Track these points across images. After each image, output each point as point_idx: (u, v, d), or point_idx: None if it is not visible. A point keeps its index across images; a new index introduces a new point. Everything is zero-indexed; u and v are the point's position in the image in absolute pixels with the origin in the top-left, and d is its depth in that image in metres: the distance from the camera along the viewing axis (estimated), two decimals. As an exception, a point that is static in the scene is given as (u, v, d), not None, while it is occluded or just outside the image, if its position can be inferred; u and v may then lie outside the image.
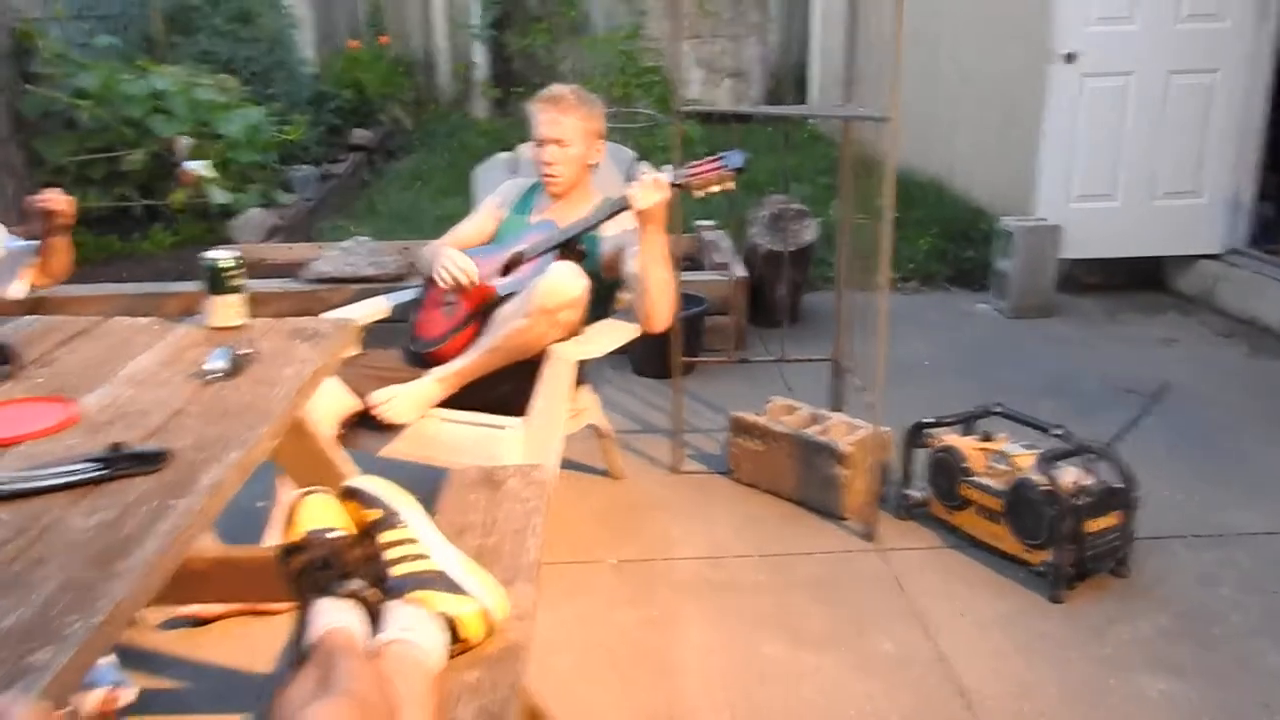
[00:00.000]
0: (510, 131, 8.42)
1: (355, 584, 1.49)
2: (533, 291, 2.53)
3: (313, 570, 1.51)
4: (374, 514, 1.62)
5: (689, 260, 4.92)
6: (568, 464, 3.20)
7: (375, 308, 3.00)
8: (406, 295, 3.01)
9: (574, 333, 2.65)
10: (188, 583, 1.90)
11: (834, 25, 7.90)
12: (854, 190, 3.15)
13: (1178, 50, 4.67)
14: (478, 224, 3.00)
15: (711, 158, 2.59)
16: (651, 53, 6.79)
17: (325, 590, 1.48)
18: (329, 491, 1.56)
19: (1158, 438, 3.39)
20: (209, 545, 2.17)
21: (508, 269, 2.77)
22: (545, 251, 2.72)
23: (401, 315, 2.95)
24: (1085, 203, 4.83)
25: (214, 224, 5.44)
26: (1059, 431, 2.55)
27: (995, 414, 2.73)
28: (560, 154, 2.79)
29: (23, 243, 2.56)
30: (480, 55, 9.35)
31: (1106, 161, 4.81)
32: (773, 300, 4.40)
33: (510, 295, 2.67)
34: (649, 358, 3.92)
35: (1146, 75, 4.71)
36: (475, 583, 1.54)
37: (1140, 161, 4.81)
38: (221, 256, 1.94)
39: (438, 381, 2.64)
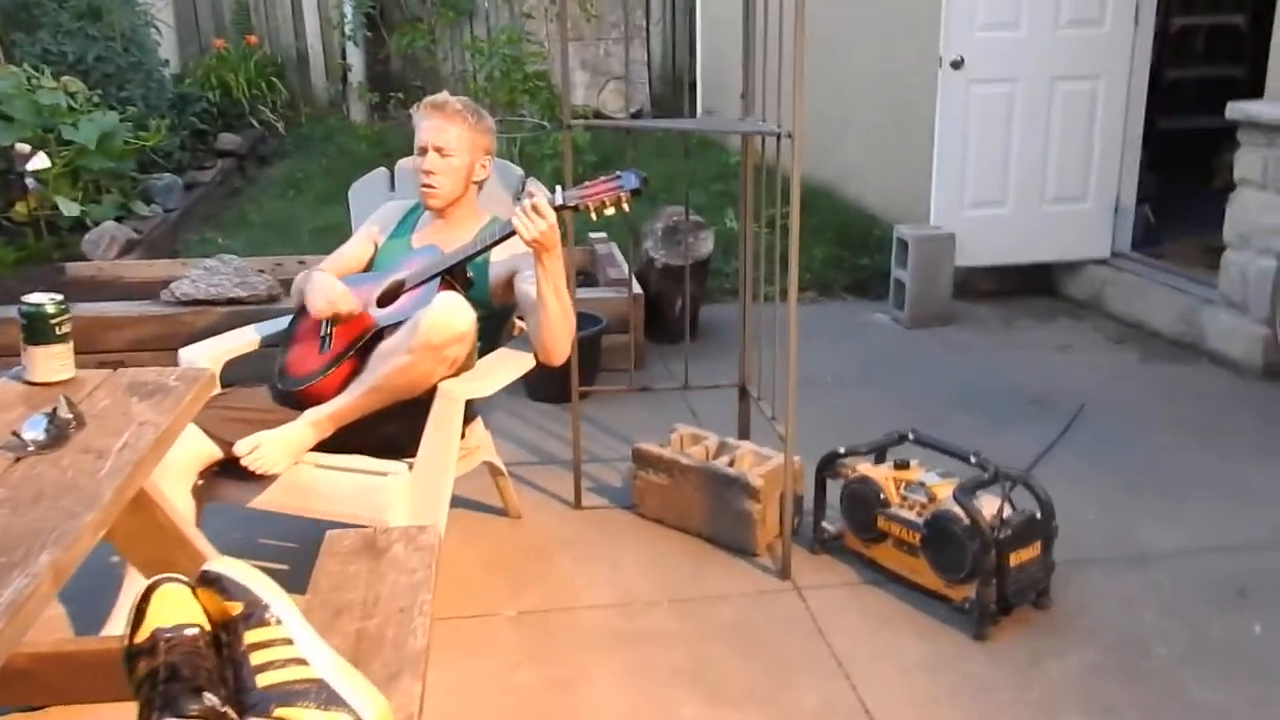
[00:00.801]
0: (390, 135, 8.08)
1: (209, 700, 1.25)
2: (416, 326, 2.29)
3: (159, 681, 1.26)
4: (235, 606, 1.38)
5: (582, 275, 4.72)
6: (459, 503, 2.96)
7: (242, 340, 2.72)
8: (276, 326, 2.73)
9: (463, 368, 2.42)
10: (8, 683, 1.62)
11: (718, 27, 7.81)
12: (758, 198, 2.99)
13: (1061, 57, 4.68)
14: (354, 250, 2.75)
15: (606, 177, 2.39)
16: (537, 56, 6.55)
17: (172, 707, 1.24)
18: (185, 580, 1.32)
19: (1067, 451, 3.33)
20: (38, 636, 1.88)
21: (387, 299, 2.53)
22: (428, 279, 2.48)
23: (270, 347, 2.68)
24: (977, 210, 4.80)
25: (62, 239, 5.01)
26: (976, 458, 2.43)
27: (910, 441, 2.60)
28: (442, 163, 2.56)
29: None
30: (356, 56, 8.96)
31: (996, 168, 4.79)
32: (671, 316, 4.24)
33: (391, 328, 2.43)
34: (544, 382, 3.69)
35: (1031, 82, 4.70)
36: (354, 690, 1.31)
37: (1028, 168, 4.81)
38: (44, 300, 1.65)
39: (311, 425, 2.38)
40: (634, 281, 4.18)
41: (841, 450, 2.65)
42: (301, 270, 2.74)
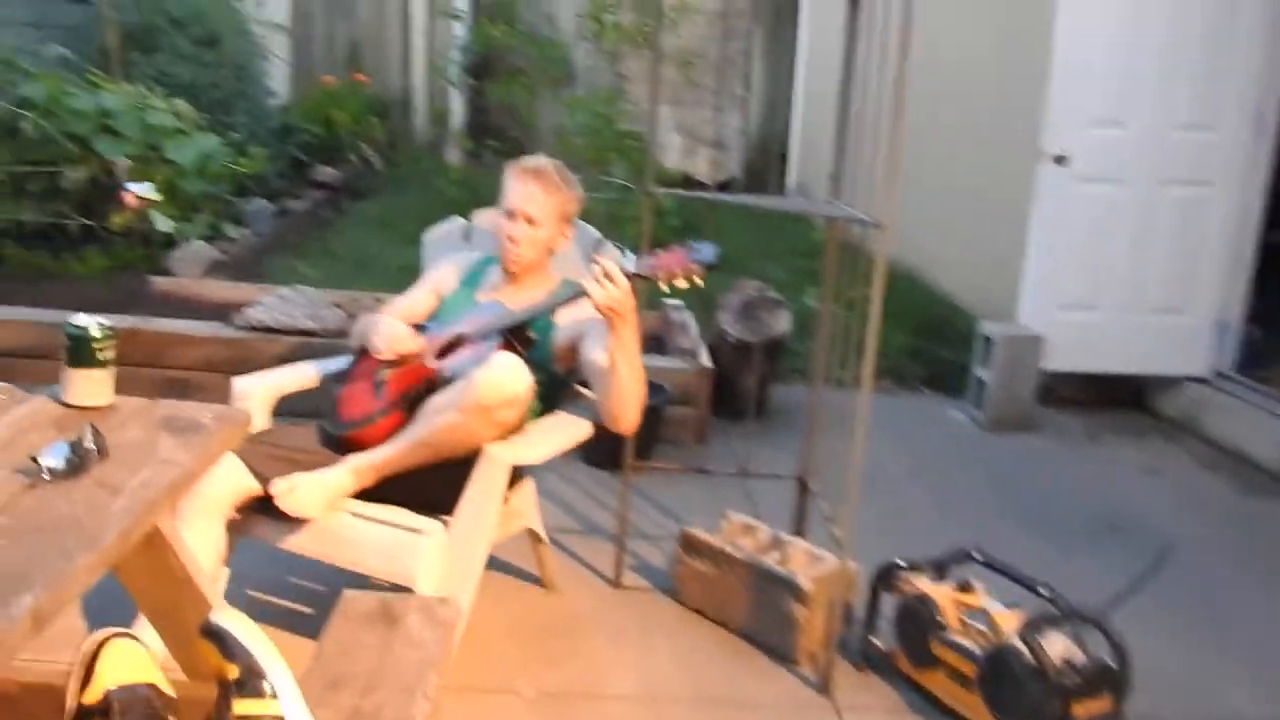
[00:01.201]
0: (482, 182, 8.15)
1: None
2: (469, 384, 2.22)
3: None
4: (232, 670, 1.31)
5: (653, 341, 4.65)
6: (495, 564, 2.87)
7: (299, 375, 2.69)
8: (338, 364, 2.69)
9: (514, 431, 2.34)
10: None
11: (817, 102, 7.75)
12: (838, 280, 2.87)
13: (1172, 160, 4.49)
14: (418, 299, 2.70)
15: (681, 247, 2.31)
16: (632, 116, 6.56)
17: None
18: (135, 637, 1.24)
19: (1148, 591, 3.10)
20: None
21: (446, 352, 2.46)
22: (489, 336, 2.42)
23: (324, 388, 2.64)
24: (1069, 312, 4.60)
25: (153, 252, 5.10)
26: (1047, 591, 2.26)
27: (975, 560, 2.44)
28: (529, 233, 2.51)
29: None
30: (458, 102, 9.11)
31: (1093, 271, 4.59)
32: (739, 392, 4.13)
33: (445, 382, 2.36)
34: (600, 447, 3.57)
35: (1138, 184, 4.51)
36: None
37: (1128, 273, 4.60)
38: (89, 324, 1.61)
39: (352, 472, 2.31)
40: (704, 353, 4.10)
41: (901, 562, 2.50)
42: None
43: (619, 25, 7.18)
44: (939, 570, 2.49)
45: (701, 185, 8.94)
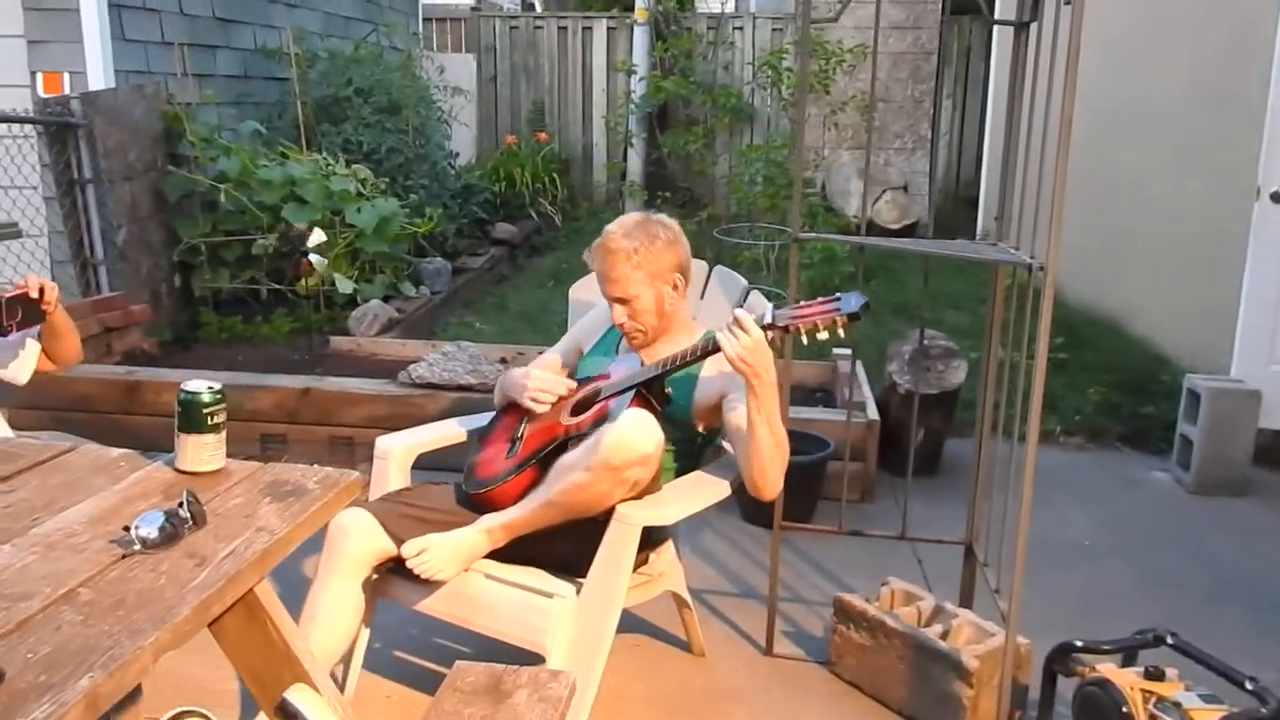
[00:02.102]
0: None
1: None
2: (597, 442, 2.14)
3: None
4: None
5: (820, 392, 4.47)
6: (640, 627, 2.77)
7: (441, 432, 2.68)
8: (481, 421, 2.67)
9: (647, 490, 2.24)
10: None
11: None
12: (1012, 328, 2.61)
13: None
14: (556, 358, 2.66)
15: (825, 299, 2.17)
16: (805, 164, 6.42)
17: None
18: (205, 714, 1.19)
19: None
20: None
21: (581, 408, 2.39)
22: (624, 392, 2.33)
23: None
24: (1291, 366, 4.13)
25: (334, 314, 5.32)
26: (1254, 686, 1.95)
27: (1170, 645, 2.15)
28: (630, 311, 2.42)
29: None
30: (636, 155, 9.21)
31: (1318, 321, 4.11)
32: (909, 447, 3.88)
33: (578, 439, 2.29)
34: (759, 503, 3.44)
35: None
36: None
37: (1360, 322, 4.09)
38: (201, 389, 1.62)
39: (484, 532, 2.26)
40: (872, 406, 3.89)
41: (1079, 643, 2.23)
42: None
43: (793, 71, 7.10)
44: (1127, 654, 2.21)
45: (884, 231, 8.68)
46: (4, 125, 4.69)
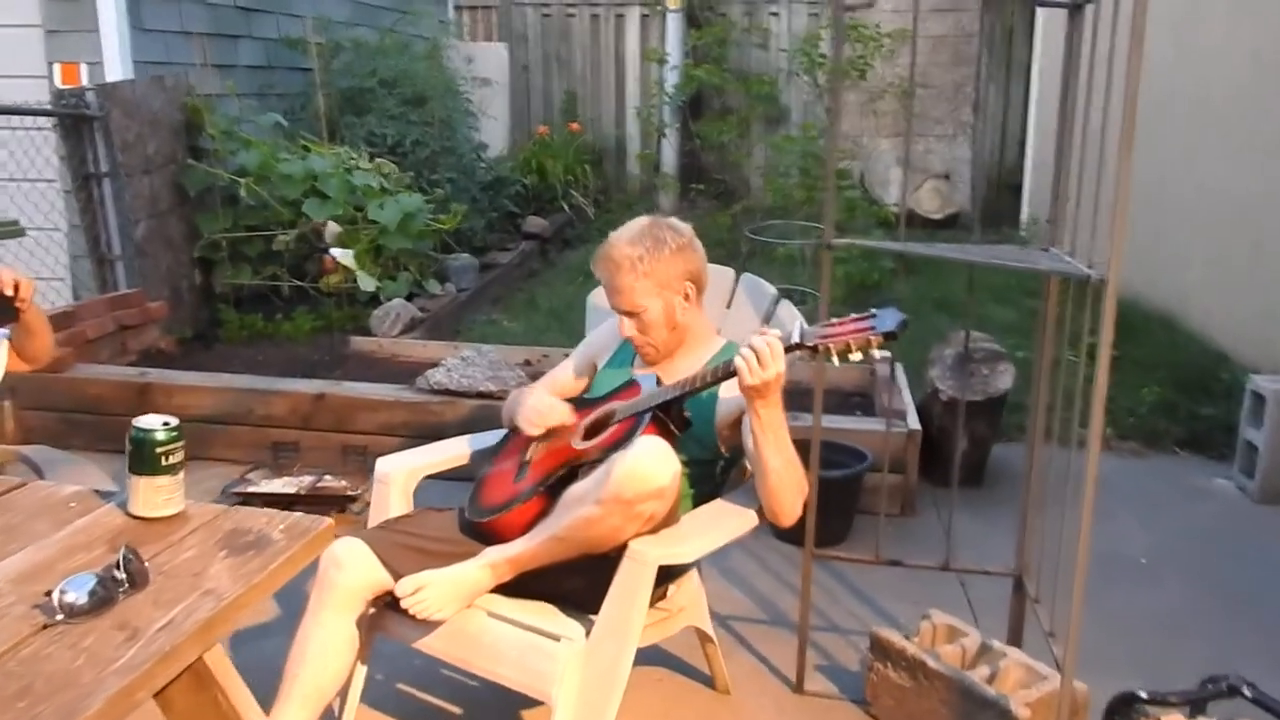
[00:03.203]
0: (695, 226, 7.98)
1: None
2: (607, 474, 1.95)
3: None
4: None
5: (858, 397, 4.25)
6: (662, 660, 2.59)
7: (447, 453, 2.49)
8: (489, 440, 2.49)
9: (663, 524, 2.05)
10: None
11: (1052, 131, 7.09)
12: (1067, 331, 2.37)
13: None
14: (569, 373, 2.47)
15: (859, 316, 1.96)
16: (842, 154, 6.18)
17: None
18: None
19: None
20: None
21: (594, 430, 2.20)
22: (640, 414, 2.14)
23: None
24: (1365, 364, 3.86)
25: (356, 312, 5.18)
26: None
27: (1244, 696, 1.93)
28: (640, 324, 2.22)
29: None
30: (669, 146, 8.99)
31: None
32: (954, 460, 3.66)
33: (591, 465, 2.10)
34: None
35: None
36: None
37: None
38: (155, 426, 1.45)
39: (487, 567, 2.08)
40: (912, 414, 3.67)
41: (1143, 694, 2.01)
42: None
43: (826, 58, 6.85)
44: (1195, 706, 1.99)
45: (925, 221, 8.41)
46: (21, 117, 4.58)
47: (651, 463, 1.93)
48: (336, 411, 3.80)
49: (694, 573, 2.37)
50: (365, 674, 2.29)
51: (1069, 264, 2.00)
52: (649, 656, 2.49)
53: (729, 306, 2.59)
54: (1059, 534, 2.16)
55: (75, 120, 4.63)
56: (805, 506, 2.18)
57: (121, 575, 1.23)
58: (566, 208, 8.35)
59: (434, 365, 3.98)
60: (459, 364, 3.86)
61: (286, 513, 1.47)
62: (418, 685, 2.52)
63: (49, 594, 1.19)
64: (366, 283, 5.15)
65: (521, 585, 2.12)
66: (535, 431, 2.24)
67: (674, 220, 2.29)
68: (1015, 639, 2.48)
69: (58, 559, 1.33)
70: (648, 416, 2.11)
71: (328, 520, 1.46)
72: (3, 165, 4.67)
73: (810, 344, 1.96)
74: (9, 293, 2.08)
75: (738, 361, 1.94)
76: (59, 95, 4.67)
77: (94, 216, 4.76)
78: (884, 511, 2.68)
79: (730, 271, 2.62)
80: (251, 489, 3.38)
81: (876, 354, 1.92)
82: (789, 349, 1.96)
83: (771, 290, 2.56)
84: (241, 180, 5.08)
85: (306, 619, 2.12)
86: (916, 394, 3.90)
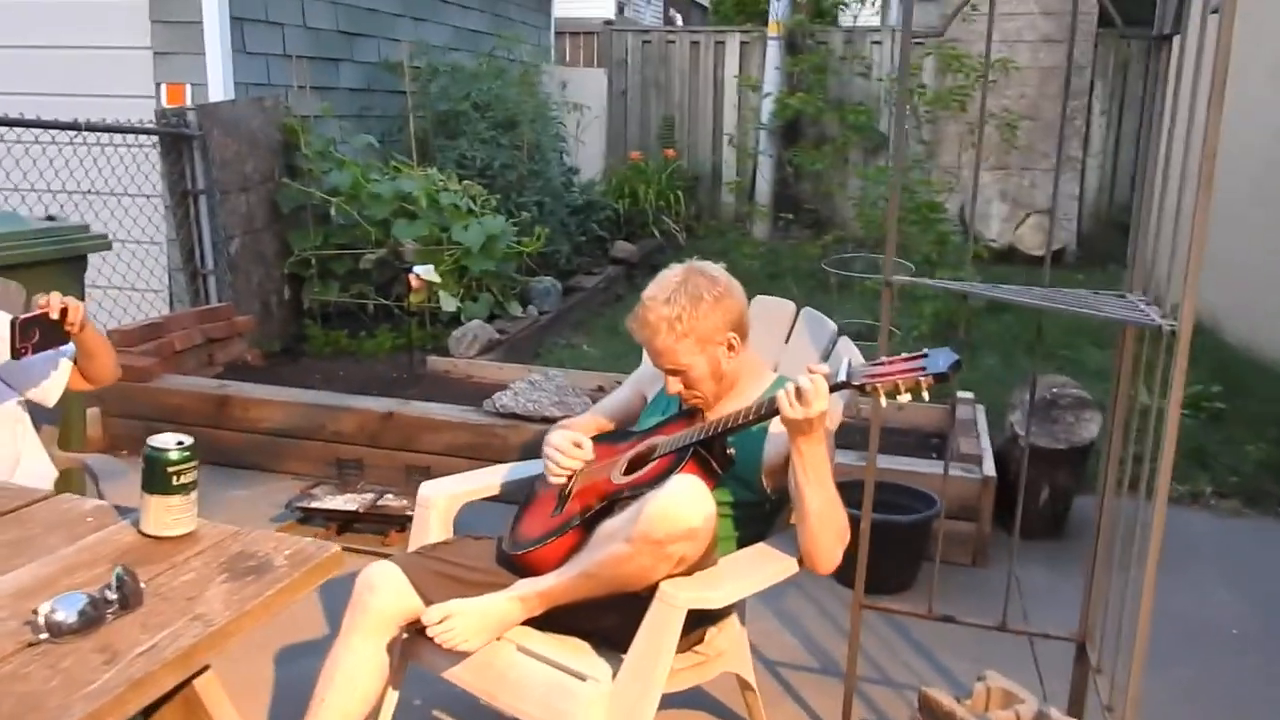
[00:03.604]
0: (784, 254, 7.89)
1: None
2: (639, 512, 1.89)
3: None
4: None
5: (937, 438, 4.10)
6: (700, 702, 2.51)
7: (490, 480, 2.47)
8: (528, 471, 2.45)
9: (699, 565, 1.98)
10: None
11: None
12: (1141, 374, 2.23)
13: None
14: (621, 402, 2.43)
15: (910, 356, 1.87)
16: (934, 185, 6.02)
17: None
18: None
19: None
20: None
21: (636, 465, 2.15)
22: (681, 449, 2.07)
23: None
24: None
25: (437, 331, 5.23)
26: None
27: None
28: (685, 380, 2.14)
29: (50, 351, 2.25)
30: (763, 173, 8.91)
31: None
32: (1033, 507, 3.50)
33: (629, 500, 2.04)
34: (853, 562, 3.14)
35: None
36: None
37: None
38: (169, 445, 1.45)
39: (517, 600, 2.03)
40: (989, 460, 3.52)
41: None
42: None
43: (924, 88, 6.71)
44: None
45: (1027, 257, 8.15)
46: (128, 135, 4.76)
47: (683, 503, 1.87)
48: (403, 430, 3.82)
49: (735, 617, 2.29)
50: (397, 699, 2.26)
51: (1140, 312, 1.87)
52: (687, 700, 2.41)
53: (787, 341, 2.52)
54: (1125, 596, 2.02)
55: (174, 139, 4.80)
56: (855, 553, 2.09)
57: (112, 596, 1.23)
58: (657, 233, 8.34)
59: (505, 387, 3.97)
60: (526, 388, 3.85)
61: (295, 537, 1.45)
62: (454, 712, 2.49)
63: (35, 612, 1.18)
64: (448, 303, 5.21)
65: (557, 620, 2.08)
66: (558, 482, 2.21)
67: (709, 266, 2.21)
68: (1076, 709, 2.33)
69: (60, 575, 1.33)
70: (689, 453, 2.04)
71: (335, 547, 1.44)
72: (116, 179, 4.86)
73: (857, 383, 1.87)
74: (55, 316, 2.09)
75: (779, 395, 1.87)
76: (161, 114, 4.84)
77: (189, 232, 4.91)
78: (937, 560, 2.54)
79: (790, 305, 2.55)
80: (315, 504, 3.41)
81: (925, 395, 1.83)
82: (835, 387, 1.88)
83: (831, 326, 2.47)
84: (333, 199, 5.19)
85: (338, 642, 2.10)
86: (999, 437, 3.75)
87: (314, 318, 5.38)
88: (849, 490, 2.14)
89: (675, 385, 2.15)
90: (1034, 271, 7.54)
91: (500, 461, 2.59)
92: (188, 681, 1.29)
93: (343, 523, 3.39)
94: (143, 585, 1.28)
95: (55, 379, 2.28)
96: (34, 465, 2.37)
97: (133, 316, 4.91)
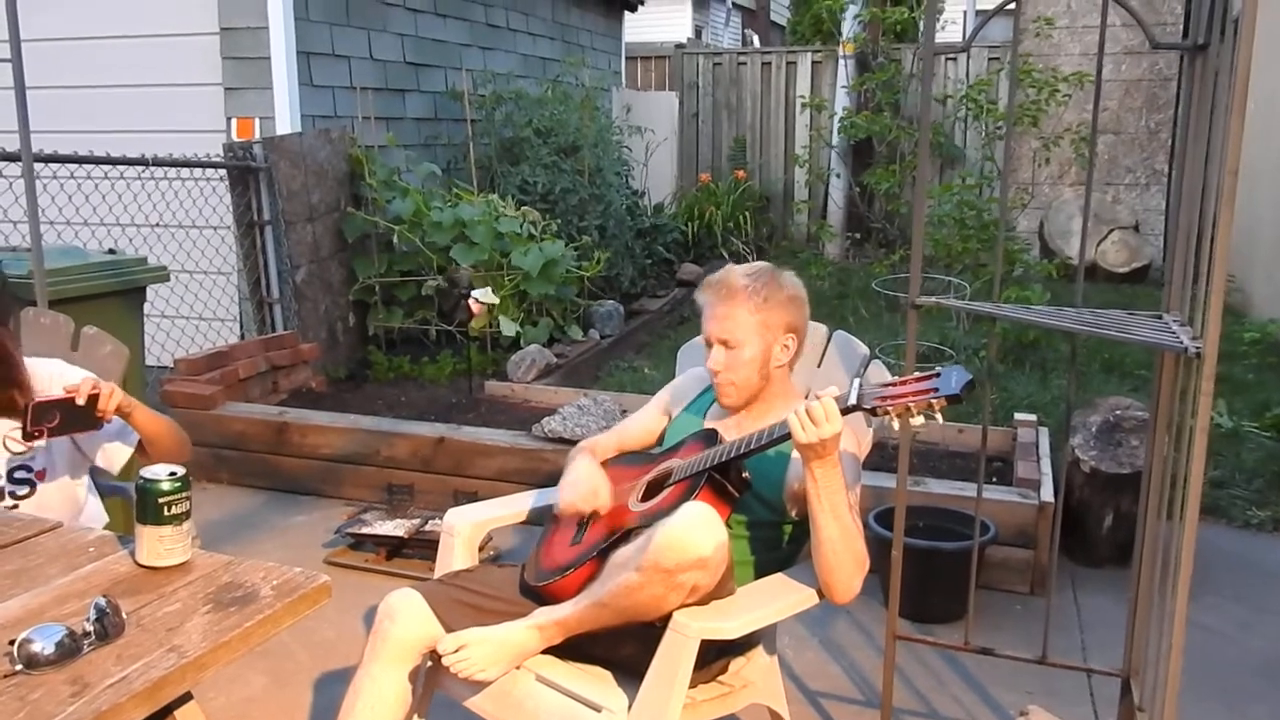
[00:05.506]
0: (855, 274, 7.77)
1: None
2: (649, 540, 1.86)
3: None
4: None
5: (999, 463, 3.97)
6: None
7: (516, 508, 2.46)
8: (555, 497, 2.43)
9: (715, 594, 1.94)
10: None
11: (1255, 179, 6.52)
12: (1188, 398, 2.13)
13: None
14: (644, 423, 2.40)
15: (922, 376, 1.81)
16: (1013, 202, 5.87)
17: None
18: None
19: None
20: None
21: (652, 490, 2.12)
22: (696, 474, 2.04)
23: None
24: None
25: (497, 356, 5.27)
26: None
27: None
28: (729, 358, 2.12)
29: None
30: (834, 193, 8.82)
31: None
32: (1096, 532, 3.37)
33: (644, 528, 2.02)
34: (910, 595, 3.04)
35: None
36: None
37: None
38: (160, 475, 1.47)
39: (535, 629, 2.01)
40: (1048, 485, 3.39)
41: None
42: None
43: (994, 104, 6.56)
44: None
45: (1109, 274, 7.90)
46: (201, 169, 4.93)
47: (693, 531, 1.83)
48: (454, 455, 3.85)
49: (761, 647, 2.23)
50: (420, 728, 2.26)
51: (1169, 334, 1.78)
52: (716, 731, 2.36)
53: (820, 366, 2.46)
54: (1163, 629, 1.92)
55: (242, 171, 4.94)
56: (887, 583, 2.03)
57: (90, 628, 1.24)
58: (725, 255, 8.30)
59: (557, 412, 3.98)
60: (574, 412, 3.85)
61: (283, 568, 1.45)
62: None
63: (11, 643, 1.21)
64: (508, 327, 5.24)
65: (578, 649, 2.06)
66: (565, 515, 2.19)
67: (790, 274, 2.22)
68: (1121, 749, 2.22)
69: (50, 605, 1.36)
70: (704, 478, 2.01)
71: (323, 578, 1.44)
72: (185, 212, 5.03)
73: (868, 405, 1.82)
74: (81, 401, 1.89)
75: (790, 418, 1.83)
76: (229, 148, 4.99)
77: (255, 262, 5.04)
78: (972, 588, 2.45)
79: (823, 329, 2.49)
80: (364, 530, 3.45)
81: (938, 417, 1.77)
82: (846, 410, 1.83)
83: (863, 349, 2.41)
84: (396, 227, 5.28)
85: (359, 671, 2.11)
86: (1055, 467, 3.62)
87: (378, 344, 5.47)
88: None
89: (718, 357, 2.13)
90: (1117, 288, 7.33)
91: (550, 485, 2.58)
92: (170, 710, 1.30)
93: (391, 549, 3.42)
94: (125, 616, 1.30)
95: (113, 454, 2.24)
96: (95, 508, 2.38)
97: (204, 346, 5.05)
